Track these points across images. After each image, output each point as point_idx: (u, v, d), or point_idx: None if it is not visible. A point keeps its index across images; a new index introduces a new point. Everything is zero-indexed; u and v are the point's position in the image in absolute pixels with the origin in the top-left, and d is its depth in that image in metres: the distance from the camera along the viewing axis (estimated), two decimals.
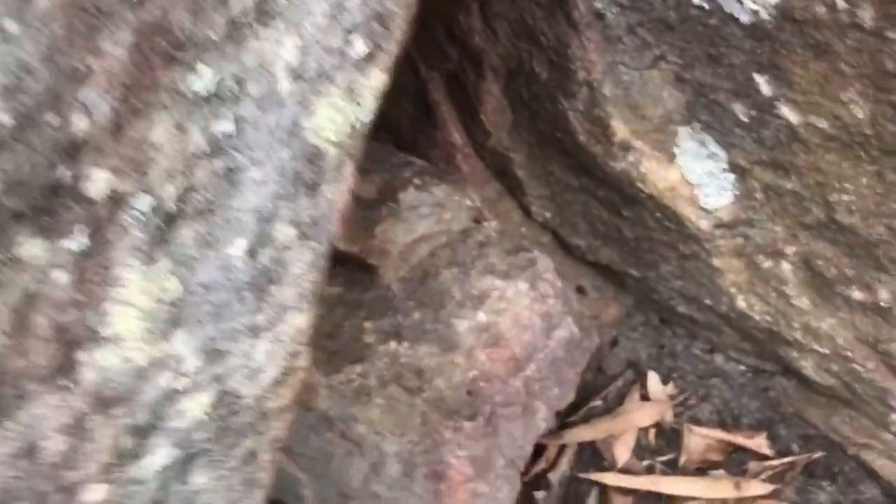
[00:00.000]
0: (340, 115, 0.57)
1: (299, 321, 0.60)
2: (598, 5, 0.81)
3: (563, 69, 0.86)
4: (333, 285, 1.02)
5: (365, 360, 0.94)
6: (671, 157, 0.88)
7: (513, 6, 0.87)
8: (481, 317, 0.96)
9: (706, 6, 0.75)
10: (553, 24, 0.84)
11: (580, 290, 1.15)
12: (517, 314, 0.96)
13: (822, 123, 0.75)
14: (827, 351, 0.90)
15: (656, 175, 0.88)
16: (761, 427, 1.05)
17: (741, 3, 0.72)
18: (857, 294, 0.84)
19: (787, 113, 0.77)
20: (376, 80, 0.58)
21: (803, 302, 0.89)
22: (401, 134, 1.13)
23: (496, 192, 1.10)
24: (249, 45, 0.51)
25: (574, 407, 1.16)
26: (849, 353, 0.88)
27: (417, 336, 0.95)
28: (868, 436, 0.97)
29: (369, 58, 0.56)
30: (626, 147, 0.88)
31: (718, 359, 1.11)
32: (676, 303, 1.05)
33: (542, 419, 1.02)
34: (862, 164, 0.75)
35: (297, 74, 0.54)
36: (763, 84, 0.77)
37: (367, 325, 0.97)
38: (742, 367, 1.09)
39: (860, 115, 0.72)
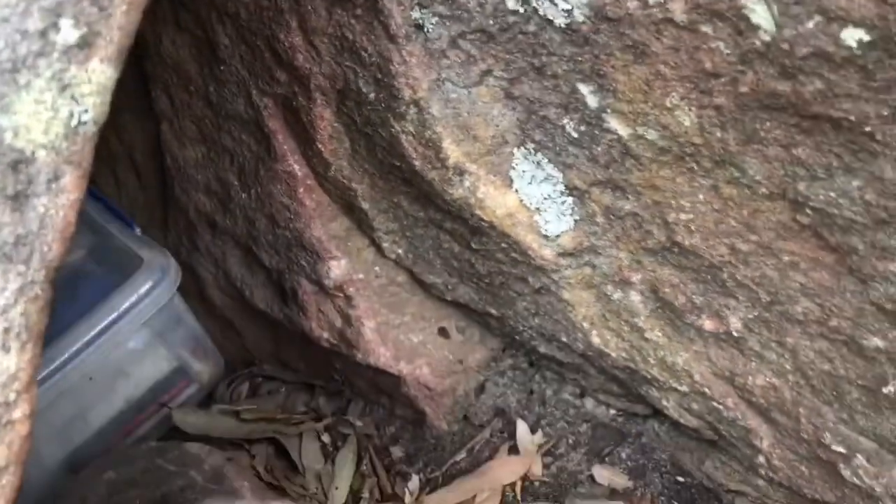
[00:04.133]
0: (51, 112, 0.48)
1: (8, 363, 0.50)
2: (416, 15, 0.74)
3: (388, 88, 0.79)
4: None
5: None
6: (508, 182, 0.81)
7: (331, 21, 0.80)
8: None
9: (521, 9, 0.69)
10: (373, 39, 0.77)
11: (443, 333, 1.07)
12: None
13: (651, 135, 0.69)
14: (685, 388, 0.83)
15: (494, 201, 0.81)
16: (634, 475, 0.97)
17: (554, 3, 0.66)
18: (707, 324, 0.77)
19: (616, 125, 0.71)
20: (97, 73, 0.49)
21: (656, 335, 0.82)
22: (244, 168, 1.05)
23: (345, 228, 1.01)
24: None
25: (438, 462, 1.06)
26: (707, 391, 0.81)
27: None
28: (740, 481, 0.89)
29: (83, 44, 0.48)
30: (461, 171, 0.81)
31: (588, 403, 1.03)
32: (537, 343, 0.97)
33: None
34: (696, 178, 0.69)
35: None
36: (588, 95, 0.71)
37: None
38: (612, 412, 1.02)
39: (686, 122, 0.66)
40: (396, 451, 1.10)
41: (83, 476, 1.12)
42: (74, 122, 0.49)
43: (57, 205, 0.50)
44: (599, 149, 0.73)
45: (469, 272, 0.95)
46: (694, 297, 0.76)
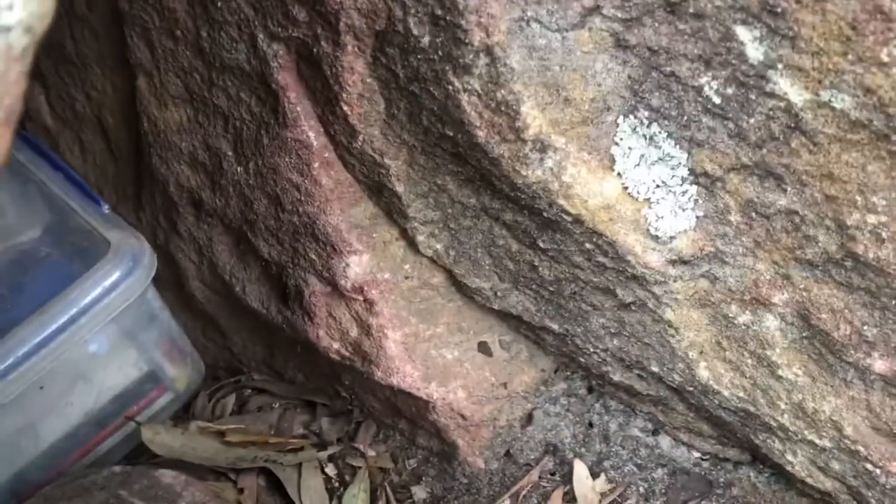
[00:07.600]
0: None
1: None
2: None
3: (452, 29, 0.58)
4: None
5: None
6: (608, 162, 0.60)
7: None
8: None
9: None
10: None
11: (483, 349, 0.86)
12: None
13: (843, 102, 0.48)
14: (827, 443, 0.63)
15: (587, 188, 0.61)
16: None
17: None
18: (879, 364, 0.57)
19: (787, 87, 0.50)
20: None
21: (795, 373, 0.62)
22: (240, 135, 0.83)
23: (370, 215, 0.80)
24: None
25: None
26: (860, 449, 0.61)
27: None
28: None
29: None
30: (544, 146, 0.60)
31: (664, 442, 0.83)
32: (611, 369, 0.77)
33: None
34: None
35: None
36: (750, 43, 0.50)
37: None
38: (696, 455, 0.82)
39: None
40: (419, 492, 0.90)
41: None
42: None
43: None
44: (752, 121, 0.53)
45: (528, 277, 0.75)
46: (865, 327, 0.56)
